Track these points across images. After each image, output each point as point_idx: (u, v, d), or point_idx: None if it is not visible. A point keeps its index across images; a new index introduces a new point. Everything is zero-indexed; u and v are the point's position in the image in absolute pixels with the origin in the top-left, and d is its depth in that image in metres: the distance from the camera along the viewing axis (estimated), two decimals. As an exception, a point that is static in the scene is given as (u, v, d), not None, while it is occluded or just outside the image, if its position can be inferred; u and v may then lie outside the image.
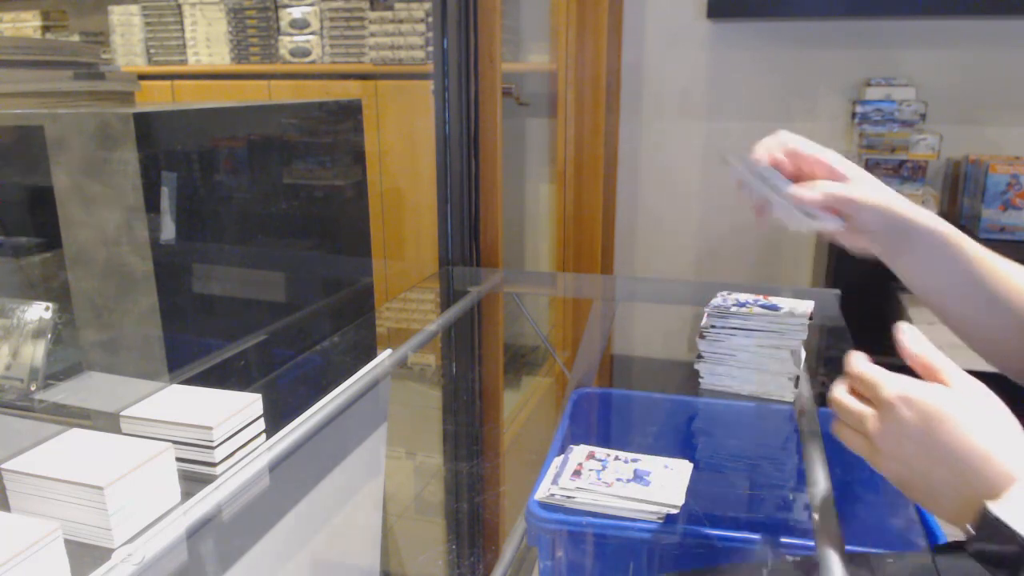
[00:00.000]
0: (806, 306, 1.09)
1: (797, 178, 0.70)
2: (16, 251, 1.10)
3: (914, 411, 0.53)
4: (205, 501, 0.70)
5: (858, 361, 0.58)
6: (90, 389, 0.94)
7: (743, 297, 1.13)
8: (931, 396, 0.53)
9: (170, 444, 0.69)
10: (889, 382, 0.54)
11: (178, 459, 0.70)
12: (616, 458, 0.92)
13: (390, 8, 2.43)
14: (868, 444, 0.56)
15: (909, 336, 0.57)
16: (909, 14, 1.99)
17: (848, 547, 0.64)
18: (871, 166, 1.85)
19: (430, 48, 2.40)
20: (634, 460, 0.92)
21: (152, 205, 0.89)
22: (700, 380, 1.09)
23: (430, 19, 2.38)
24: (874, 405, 0.55)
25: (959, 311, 0.70)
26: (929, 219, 0.67)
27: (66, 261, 0.93)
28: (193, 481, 0.72)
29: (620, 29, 2.26)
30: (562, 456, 0.94)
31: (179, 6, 2.67)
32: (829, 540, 0.64)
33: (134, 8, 2.71)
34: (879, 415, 0.54)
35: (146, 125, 0.88)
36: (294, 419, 0.87)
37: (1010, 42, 2.00)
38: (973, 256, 0.67)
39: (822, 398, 1.06)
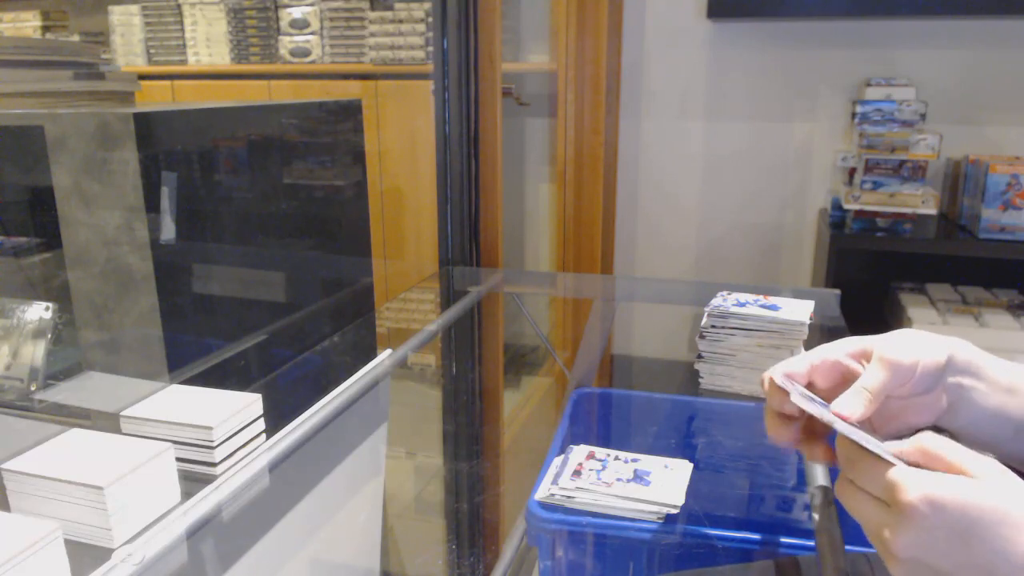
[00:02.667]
0: (806, 306, 1.09)
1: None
2: (16, 251, 1.10)
3: (945, 517, 0.43)
4: (205, 501, 0.70)
5: (858, 457, 0.49)
6: (90, 389, 0.94)
7: (743, 297, 1.13)
8: (962, 495, 0.44)
9: (170, 444, 0.69)
10: (910, 483, 0.45)
11: (178, 459, 0.70)
12: (616, 458, 0.92)
13: (390, 8, 2.43)
14: (885, 547, 0.47)
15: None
16: (909, 14, 1.99)
17: (848, 547, 0.64)
18: (871, 166, 1.86)
19: (430, 48, 2.40)
20: (634, 460, 0.92)
21: (152, 205, 0.89)
22: (700, 380, 1.09)
23: (430, 19, 2.38)
24: (889, 505, 0.46)
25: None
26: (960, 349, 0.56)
27: (66, 261, 0.93)
28: (193, 481, 0.72)
29: (620, 29, 2.26)
30: (562, 456, 0.94)
31: (179, 6, 2.67)
32: (829, 540, 0.64)
33: (134, 8, 2.71)
34: (899, 522, 0.45)
35: (146, 125, 0.88)
36: (294, 419, 0.87)
37: (1010, 42, 2.00)
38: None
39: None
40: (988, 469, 0.45)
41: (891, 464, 0.47)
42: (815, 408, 0.54)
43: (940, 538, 0.44)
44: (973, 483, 0.44)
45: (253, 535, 0.77)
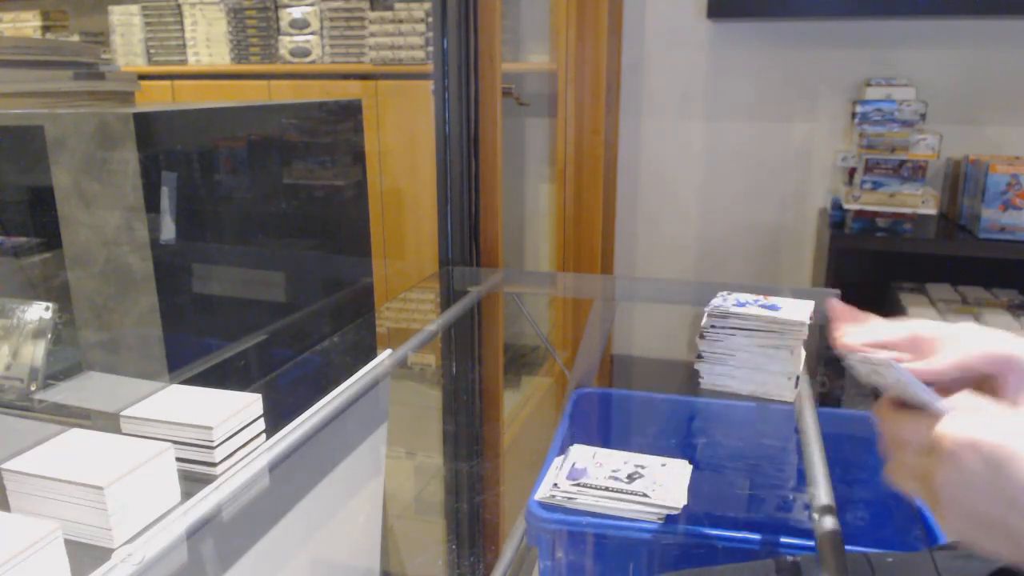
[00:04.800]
0: (806, 306, 1.09)
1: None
2: (16, 251, 1.10)
3: (981, 456, 0.45)
4: (205, 501, 0.70)
5: (898, 416, 0.51)
6: (90, 389, 0.94)
7: (743, 297, 1.13)
8: (1000, 435, 0.45)
9: (170, 444, 0.69)
10: (950, 425, 0.47)
11: (178, 459, 0.70)
12: (616, 458, 0.92)
13: (390, 8, 2.43)
14: (928, 491, 0.48)
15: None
16: (909, 14, 1.99)
17: (848, 547, 0.64)
18: (871, 166, 1.85)
19: (430, 48, 2.40)
20: (634, 460, 0.92)
21: (152, 205, 0.89)
22: (700, 380, 1.09)
23: (430, 19, 2.38)
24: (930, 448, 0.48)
25: None
26: None
27: (66, 261, 0.93)
28: (193, 481, 0.72)
29: (620, 29, 2.26)
30: (562, 456, 0.94)
31: (179, 6, 2.67)
32: (829, 540, 0.64)
33: (134, 8, 2.71)
34: (939, 465, 0.47)
35: (146, 125, 0.88)
36: (294, 419, 0.87)
37: (1010, 42, 2.00)
38: None
39: (822, 398, 1.06)
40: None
41: (930, 418, 0.49)
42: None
43: (979, 482, 0.45)
44: (1006, 424, 0.46)
45: (253, 535, 0.77)
